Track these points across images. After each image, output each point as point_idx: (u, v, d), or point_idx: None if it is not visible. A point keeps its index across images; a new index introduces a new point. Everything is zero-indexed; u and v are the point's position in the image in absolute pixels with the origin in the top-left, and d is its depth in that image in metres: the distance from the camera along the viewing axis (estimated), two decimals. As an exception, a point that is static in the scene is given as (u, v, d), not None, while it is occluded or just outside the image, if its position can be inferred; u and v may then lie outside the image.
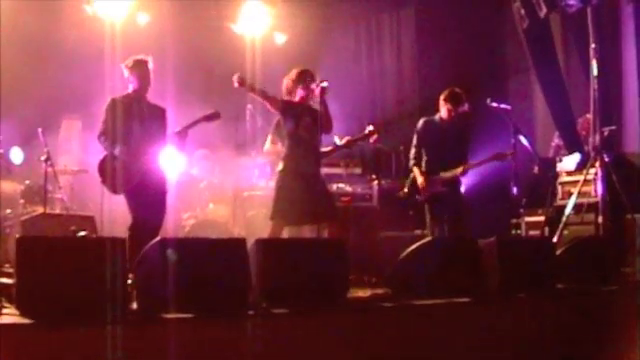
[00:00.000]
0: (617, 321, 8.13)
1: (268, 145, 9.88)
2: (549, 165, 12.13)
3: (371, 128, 10.06)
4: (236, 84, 8.86)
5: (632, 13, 13.53)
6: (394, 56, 16.61)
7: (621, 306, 8.38)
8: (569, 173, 11.74)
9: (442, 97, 10.49)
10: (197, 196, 12.35)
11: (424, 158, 10.48)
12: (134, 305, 6.11)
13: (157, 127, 8.93)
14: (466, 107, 10.47)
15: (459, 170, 10.37)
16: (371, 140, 10.16)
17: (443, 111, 10.47)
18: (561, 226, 10.32)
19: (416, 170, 10.46)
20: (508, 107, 11.07)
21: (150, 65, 9.04)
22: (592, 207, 10.59)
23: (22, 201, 11.29)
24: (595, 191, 10.56)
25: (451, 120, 10.42)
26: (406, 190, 10.70)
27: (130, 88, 8.96)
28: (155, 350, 5.48)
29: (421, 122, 10.56)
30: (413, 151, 10.56)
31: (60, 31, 12.81)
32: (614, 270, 8.99)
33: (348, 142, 10.06)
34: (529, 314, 7.67)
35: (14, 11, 12.38)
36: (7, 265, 8.63)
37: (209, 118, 9.12)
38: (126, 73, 8.97)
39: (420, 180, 10.37)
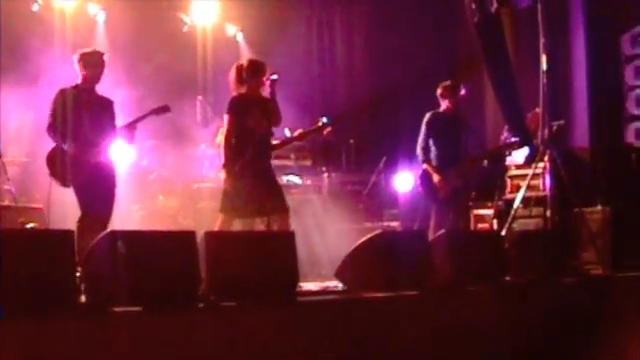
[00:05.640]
0: (566, 312, 8.23)
1: (219, 137, 9.84)
2: (498, 158, 12.21)
3: (324, 120, 10.06)
4: None
5: (581, 7, 13.67)
6: (346, 49, 16.61)
7: (569, 298, 8.49)
8: (518, 167, 11.84)
9: (438, 93, 10.60)
10: (146, 188, 12.26)
11: (434, 152, 10.50)
12: (82, 298, 6.07)
13: (106, 119, 8.90)
14: (463, 91, 10.57)
15: (484, 161, 10.59)
16: (324, 133, 10.17)
17: (444, 105, 10.57)
18: (510, 219, 10.38)
19: (429, 167, 10.48)
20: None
21: (105, 58, 8.99)
22: (540, 200, 10.68)
23: (-31, 193, 11.17)
24: (543, 185, 10.64)
25: (454, 111, 10.52)
26: (420, 189, 10.69)
27: (80, 79, 8.89)
28: (103, 343, 5.45)
29: (429, 115, 10.61)
30: (421, 146, 10.55)
31: (9, 22, 12.63)
32: (562, 263, 9.08)
33: (300, 135, 10.08)
34: (478, 307, 7.72)
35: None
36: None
37: (158, 111, 9.11)
38: (79, 63, 8.90)
39: (437, 178, 10.37)
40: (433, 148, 10.51)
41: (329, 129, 10.17)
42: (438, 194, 10.44)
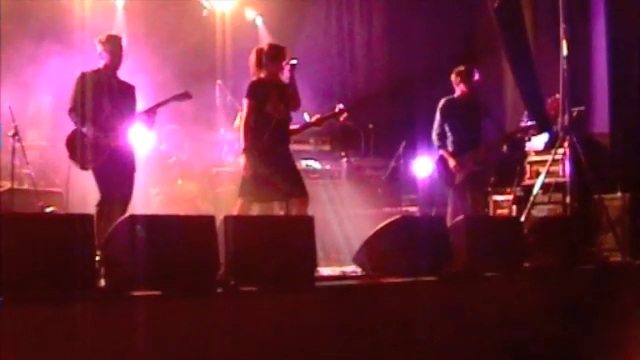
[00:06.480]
0: (585, 300, 8.22)
1: (238, 121, 9.84)
2: (518, 144, 12.18)
3: (341, 106, 10.08)
4: None
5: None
6: (365, 34, 16.57)
7: (589, 285, 8.47)
8: (537, 153, 11.81)
9: (453, 78, 10.58)
10: (166, 172, 12.28)
11: (450, 138, 10.51)
12: (102, 282, 6.09)
13: (127, 104, 8.94)
14: (477, 76, 10.55)
15: (503, 147, 10.61)
16: (341, 119, 10.17)
17: (458, 91, 10.56)
18: (529, 205, 10.36)
19: (445, 153, 10.50)
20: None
21: (123, 42, 9.02)
22: (560, 187, 10.65)
23: (-12, 176, 11.20)
24: (563, 171, 10.62)
25: (469, 97, 10.51)
26: (437, 174, 10.73)
27: (101, 64, 8.94)
28: (123, 328, 5.47)
29: (443, 101, 10.61)
30: (437, 132, 10.57)
31: (31, 7, 12.65)
32: (581, 249, 9.05)
33: (318, 120, 10.08)
34: (496, 293, 7.71)
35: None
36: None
37: (179, 97, 9.16)
38: (99, 48, 8.96)
39: (452, 163, 10.39)
40: (449, 134, 10.52)
41: (345, 115, 10.16)
42: (454, 179, 10.44)
